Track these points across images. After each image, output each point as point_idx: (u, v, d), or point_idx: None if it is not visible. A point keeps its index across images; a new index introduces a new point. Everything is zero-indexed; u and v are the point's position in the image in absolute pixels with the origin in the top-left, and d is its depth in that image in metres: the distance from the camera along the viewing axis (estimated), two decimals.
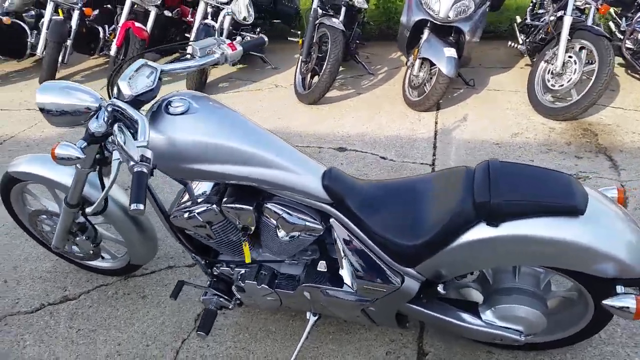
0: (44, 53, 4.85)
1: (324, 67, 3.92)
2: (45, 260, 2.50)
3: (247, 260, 1.80)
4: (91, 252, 2.13)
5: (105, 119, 1.48)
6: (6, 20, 4.93)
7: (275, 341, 2.03)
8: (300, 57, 4.17)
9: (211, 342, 2.05)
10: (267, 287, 1.79)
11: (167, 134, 1.51)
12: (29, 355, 2.03)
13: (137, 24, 4.49)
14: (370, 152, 3.38)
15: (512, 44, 4.34)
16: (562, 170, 2.96)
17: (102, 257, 2.33)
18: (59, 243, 2.05)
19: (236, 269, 1.85)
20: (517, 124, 3.59)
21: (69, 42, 4.84)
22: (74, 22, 4.79)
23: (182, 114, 1.54)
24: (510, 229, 1.40)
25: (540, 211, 1.38)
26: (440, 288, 1.62)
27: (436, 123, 3.74)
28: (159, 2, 4.69)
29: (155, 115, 1.54)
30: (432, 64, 3.80)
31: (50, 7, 4.82)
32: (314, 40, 4.09)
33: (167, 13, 4.90)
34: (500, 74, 4.50)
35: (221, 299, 1.91)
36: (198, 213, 1.66)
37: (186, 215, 1.68)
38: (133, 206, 1.26)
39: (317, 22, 4.06)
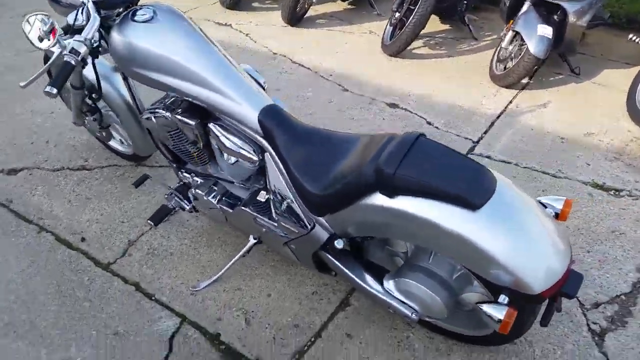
0: None
1: (408, 20, 3.75)
2: (84, 134, 2.86)
3: None
4: (103, 133, 2.40)
5: (83, 14, 1.68)
6: None
7: (224, 252, 2.15)
8: (392, 7, 4.02)
9: (173, 235, 2.23)
10: (212, 200, 1.89)
11: (127, 39, 1.65)
12: (34, 202, 2.39)
13: None
14: (420, 115, 3.23)
15: (634, 38, 3.73)
16: (614, 185, 2.59)
17: (122, 142, 2.60)
18: (76, 120, 2.34)
19: (195, 178, 1.98)
20: (599, 124, 3.15)
21: None
22: None
23: (144, 22, 1.66)
24: (402, 203, 1.34)
25: (435, 194, 1.30)
26: (338, 243, 1.59)
27: (510, 102, 3.42)
28: None
29: (122, 20, 1.70)
30: (523, 40, 3.44)
31: None
32: None
33: None
34: (617, 70, 3.91)
35: (180, 201, 2.06)
36: (155, 117, 1.79)
37: (147, 116, 1.82)
38: (47, 88, 1.46)
39: None
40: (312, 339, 1.82)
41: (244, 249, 1.95)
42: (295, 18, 4.52)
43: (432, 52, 4.17)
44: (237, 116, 1.63)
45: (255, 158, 1.67)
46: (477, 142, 2.97)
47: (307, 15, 4.74)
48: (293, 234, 1.70)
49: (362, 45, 4.26)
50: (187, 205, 2.05)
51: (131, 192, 2.46)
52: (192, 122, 1.71)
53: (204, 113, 1.73)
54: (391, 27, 4.13)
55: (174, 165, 2.04)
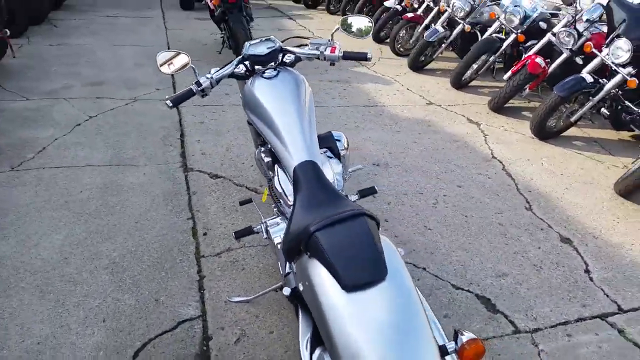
0: None
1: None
2: None
3: (263, 199, 2.23)
4: None
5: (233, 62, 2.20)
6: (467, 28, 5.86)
7: (269, 281, 2.36)
8: None
9: (250, 254, 2.57)
10: (269, 235, 2.13)
11: (250, 87, 2.07)
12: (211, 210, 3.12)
13: None
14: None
15: None
16: None
17: None
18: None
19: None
20: None
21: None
22: None
23: (266, 78, 2.06)
24: (309, 263, 1.37)
25: (327, 263, 1.30)
26: (285, 290, 1.63)
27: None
28: None
29: (256, 74, 2.12)
30: None
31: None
32: None
33: None
34: None
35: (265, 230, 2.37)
36: (258, 154, 2.16)
37: (257, 152, 2.19)
38: (167, 101, 1.99)
39: None
40: None
41: (274, 286, 2.13)
42: (546, 132, 4.27)
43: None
44: (284, 162, 1.88)
45: (290, 204, 1.88)
46: None
47: (565, 133, 4.41)
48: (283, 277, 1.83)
49: (602, 182, 3.72)
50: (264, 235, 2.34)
51: (235, 209, 2.94)
52: (265, 160, 2.03)
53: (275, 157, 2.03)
54: None
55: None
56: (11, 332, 2.04)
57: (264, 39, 2.16)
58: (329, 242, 1.31)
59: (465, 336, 1.23)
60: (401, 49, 6.82)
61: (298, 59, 2.15)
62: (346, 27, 2.22)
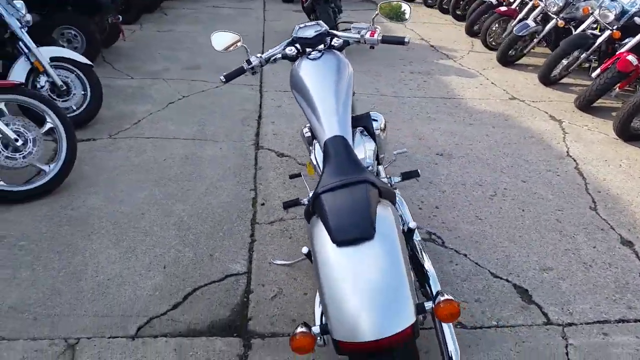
0: None
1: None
2: None
3: (309, 172, 2.42)
4: None
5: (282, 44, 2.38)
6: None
7: None
8: None
9: (299, 224, 2.78)
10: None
11: (296, 67, 2.24)
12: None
13: None
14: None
15: None
16: None
17: None
18: None
19: None
20: None
21: None
22: None
23: (311, 59, 2.23)
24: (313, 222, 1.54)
25: (324, 219, 1.46)
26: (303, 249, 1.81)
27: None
28: None
29: (303, 56, 2.27)
30: None
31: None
32: None
33: None
34: None
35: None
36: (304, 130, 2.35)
37: (304, 129, 2.36)
38: (222, 76, 2.24)
39: None
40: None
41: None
42: (631, 132, 4.03)
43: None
44: (318, 136, 2.05)
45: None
46: None
47: None
48: None
49: None
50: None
51: (293, 184, 3.16)
52: (306, 135, 2.23)
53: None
54: None
55: None
56: (89, 268, 2.42)
57: (312, 23, 2.33)
58: (330, 203, 1.47)
59: (444, 297, 1.34)
60: (493, 43, 6.65)
61: (347, 43, 2.29)
62: (385, 13, 2.35)
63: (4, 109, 2.86)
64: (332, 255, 1.37)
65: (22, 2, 3.54)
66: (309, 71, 2.17)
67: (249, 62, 2.25)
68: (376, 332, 1.25)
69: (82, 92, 3.82)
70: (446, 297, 1.34)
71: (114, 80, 4.82)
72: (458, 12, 8.39)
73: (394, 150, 3.37)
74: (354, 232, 1.38)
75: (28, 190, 2.89)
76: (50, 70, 3.58)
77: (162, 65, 5.37)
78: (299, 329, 1.35)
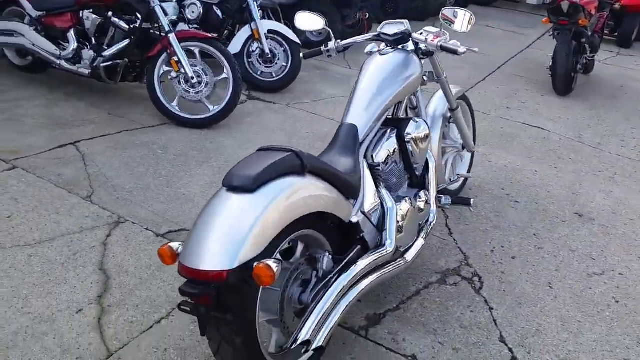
0: None
1: None
2: None
3: None
4: None
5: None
6: None
7: None
8: None
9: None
10: None
11: (368, 58, 2.36)
12: None
13: None
14: None
15: None
16: None
17: None
18: None
19: None
20: None
21: None
22: None
23: (380, 54, 2.31)
24: None
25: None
26: None
27: None
28: None
29: (378, 50, 2.37)
30: None
31: None
32: None
33: None
34: None
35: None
36: None
37: None
38: (301, 54, 2.50)
39: None
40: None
41: None
42: None
43: None
44: (342, 119, 2.17)
45: None
46: None
47: None
48: None
49: None
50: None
51: None
52: None
53: None
54: None
55: None
56: (181, 182, 3.04)
57: (398, 21, 2.36)
58: (251, 158, 1.58)
59: (270, 261, 1.39)
60: None
61: (430, 53, 2.34)
62: (445, 20, 2.24)
63: (197, 53, 3.71)
64: (217, 194, 1.51)
65: None
66: (370, 64, 2.28)
67: (326, 45, 2.44)
68: (196, 262, 1.39)
69: (284, 64, 4.54)
70: (270, 261, 1.39)
71: (332, 65, 5.44)
72: None
73: (459, 171, 3.11)
74: (236, 180, 1.48)
75: (194, 120, 3.73)
76: (264, 39, 4.38)
77: None
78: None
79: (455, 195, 2.98)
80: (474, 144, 3.20)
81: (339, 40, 2.42)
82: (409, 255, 2.12)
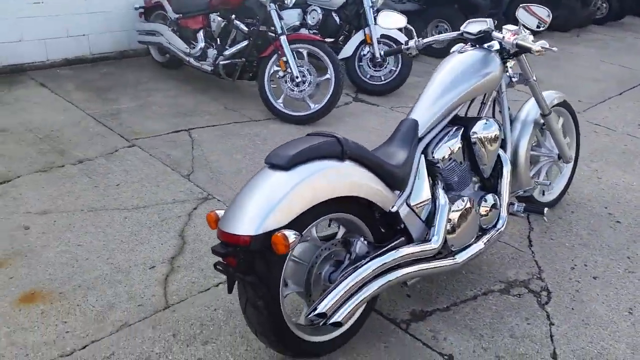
0: None
1: None
2: None
3: None
4: None
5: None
6: None
7: None
8: None
9: None
10: None
11: (448, 55, 2.37)
12: None
13: None
14: None
15: None
16: None
17: None
18: None
19: None
20: None
21: None
22: None
23: (460, 52, 2.30)
24: None
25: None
26: None
27: None
28: None
29: (460, 48, 2.37)
30: None
31: None
32: None
33: None
34: None
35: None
36: None
37: None
38: (382, 52, 2.57)
39: None
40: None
41: None
42: None
43: None
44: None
45: None
46: None
47: None
48: None
49: None
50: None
51: None
52: None
53: None
54: None
55: None
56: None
57: (482, 20, 2.32)
58: (299, 140, 1.72)
59: (288, 231, 1.50)
60: None
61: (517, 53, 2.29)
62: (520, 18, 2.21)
63: (305, 55, 3.94)
64: (260, 171, 1.66)
65: None
66: (445, 62, 2.28)
67: (407, 43, 2.48)
68: (228, 226, 1.54)
69: (392, 68, 4.59)
70: (289, 232, 1.49)
71: None
72: None
73: (556, 184, 2.89)
74: (274, 159, 1.62)
75: (295, 116, 3.97)
76: (375, 44, 4.47)
77: None
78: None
79: (550, 205, 2.83)
80: (575, 155, 2.96)
81: (420, 39, 2.43)
82: (461, 257, 2.06)
